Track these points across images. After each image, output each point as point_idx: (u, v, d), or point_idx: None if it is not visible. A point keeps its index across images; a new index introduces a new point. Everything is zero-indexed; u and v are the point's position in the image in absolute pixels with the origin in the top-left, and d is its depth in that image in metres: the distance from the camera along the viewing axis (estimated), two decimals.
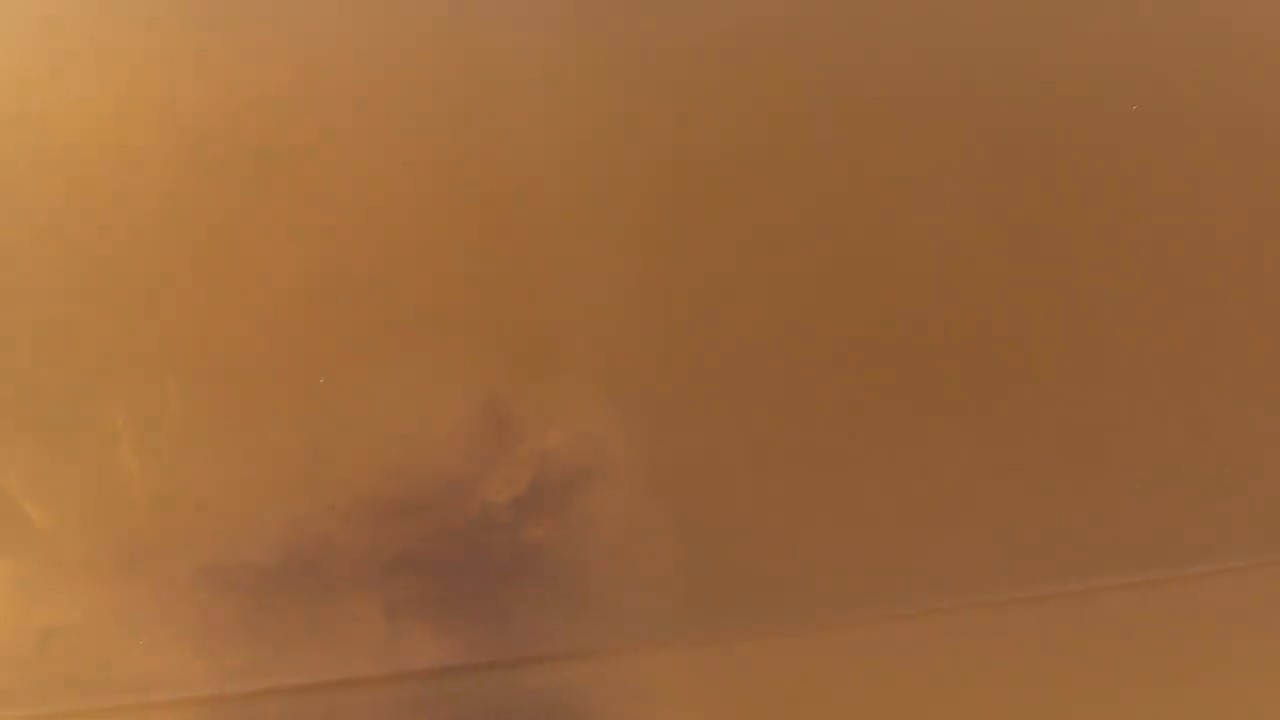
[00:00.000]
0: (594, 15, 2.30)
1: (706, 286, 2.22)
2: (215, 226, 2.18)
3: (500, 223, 2.21)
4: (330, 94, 2.25)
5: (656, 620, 2.12)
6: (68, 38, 2.22)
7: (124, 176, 2.18)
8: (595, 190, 2.23)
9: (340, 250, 2.18)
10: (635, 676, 2.11)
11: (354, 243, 2.19)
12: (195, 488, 2.09)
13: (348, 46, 2.27)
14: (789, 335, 2.21)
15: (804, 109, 2.28)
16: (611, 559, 2.12)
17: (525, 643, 2.10)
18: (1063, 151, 2.30)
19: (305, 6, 2.27)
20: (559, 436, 2.15)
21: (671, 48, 2.29)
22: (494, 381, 2.15)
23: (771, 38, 2.31)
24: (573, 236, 2.21)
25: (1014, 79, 2.32)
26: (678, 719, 2.11)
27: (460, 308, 2.18)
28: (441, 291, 2.18)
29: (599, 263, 2.20)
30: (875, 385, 2.20)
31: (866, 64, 2.31)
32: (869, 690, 2.15)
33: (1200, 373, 2.26)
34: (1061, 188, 2.29)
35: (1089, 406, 2.23)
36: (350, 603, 2.10)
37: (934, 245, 2.25)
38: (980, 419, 2.20)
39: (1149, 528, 2.21)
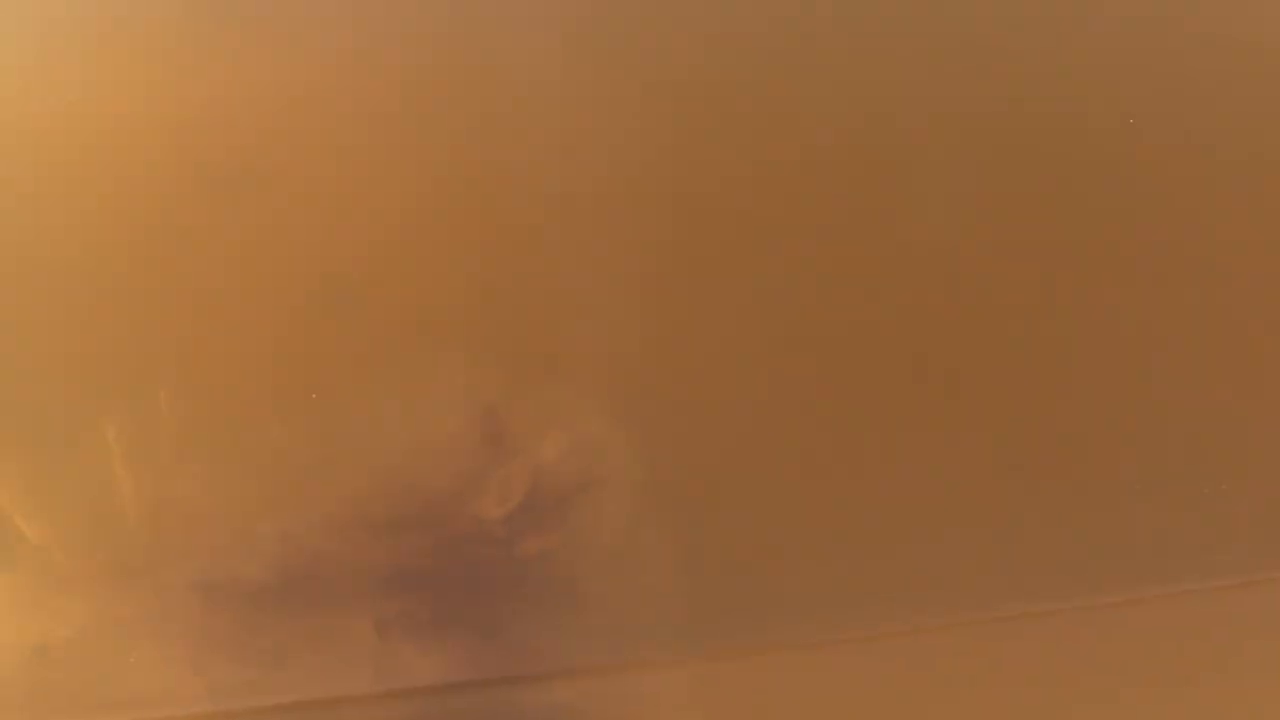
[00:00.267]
0: (591, 25, 2.28)
1: (707, 299, 2.20)
2: (209, 237, 2.17)
3: (496, 234, 2.20)
4: (327, 103, 2.23)
5: (654, 636, 2.10)
6: (63, 44, 2.21)
7: (115, 187, 2.17)
8: (593, 201, 2.22)
9: (334, 263, 2.16)
10: (633, 693, 2.09)
11: (348, 255, 2.17)
12: (188, 502, 2.08)
13: (345, 57, 2.25)
14: (789, 347, 2.19)
15: (804, 116, 2.26)
16: (608, 574, 2.10)
17: (521, 659, 2.08)
18: (1063, 160, 2.28)
19: (304, 14, 2.26)
20: (556, 450, 2.13)
21: (670, 60, 2.27)
22: (490, 394, 2.13)
23: (771, 45, 2.28)
24: (570, 249, 2.20)
25: (1014, 81, 2.30)
26: None
27: (456, 320, 2.16)
28: (436, 303, 2.17)
29: (597, 274, 2.19)
30: (876, 398, 2.18)
31: (867, 69, 2.29)
32: (871, 707, 2.13)
33: (1203, 384, 2.23)
34: (1061, 200, 2.27)
35: (1092, 419, 2.20)
36: (345, 618, 2.08)
37: (938, 259, 2.23)
38: (984, 435, 2.18)
39: (1153, 543, 2.18)
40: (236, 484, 2.09)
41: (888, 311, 2.21)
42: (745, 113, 2.26)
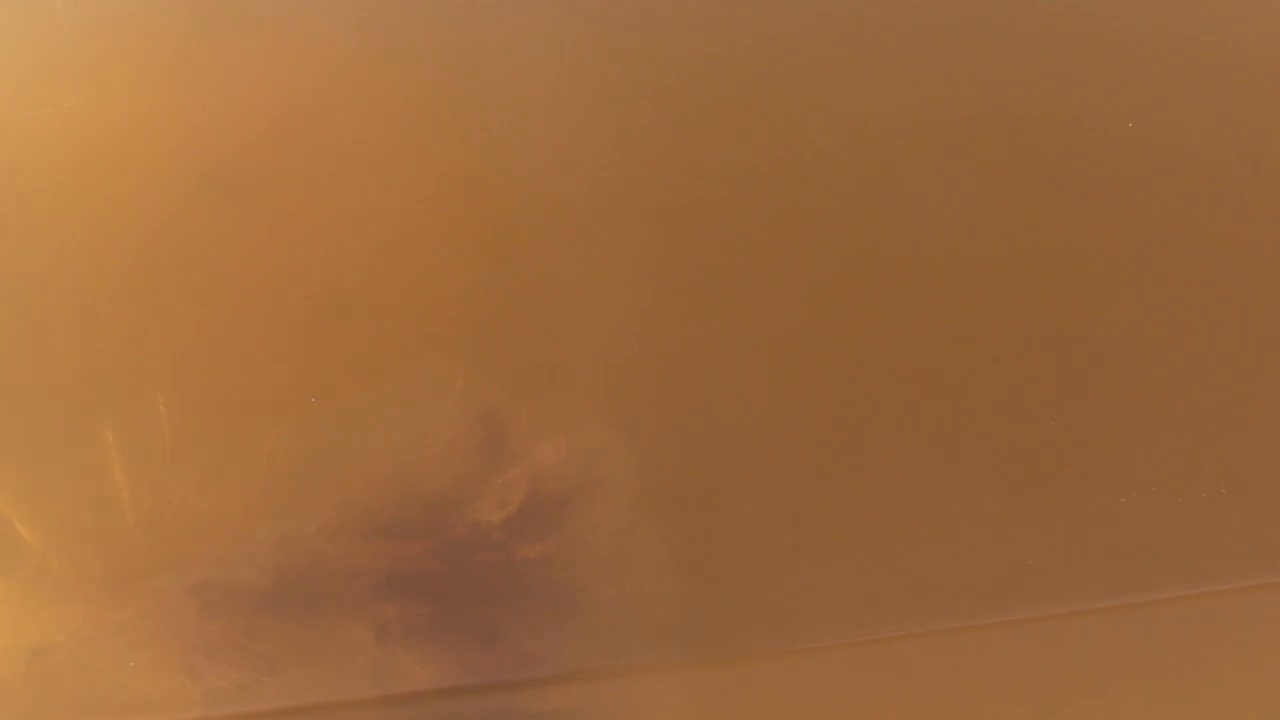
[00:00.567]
0: (592, 35, 2.29)
1: (706, 306, 2.20)
2: (208, 243, 2.17)
3: (495, 241, 2.20)
4: (326, 111, 2.24)
5: (652, 641, 2.10)
6: (65, 51, 2.21)
7: (115, 193, 2.17)
8: (593, 208, 2.22)
9: (334, 269, 2.17)
10: (631, 698, 2.09)
11: (347, 261, 2.18)
12: (186, 507, 2.08)
13: (346, 66, 2.26)
14: (788, 353, 2.19)
15: (805, 124, 2.27)
16: (607, 579, 2.10)
17: (518, 664, 2.08)
18: (1062, 164, 2.29)
19: (306, 21, 2.26)
20: (554, 455, 2.13)
21: (671, 69, 2.28)
22: (488, 400, 2.13)
23: (772, 53, 2.29)
24: (570, 256, 2.20)
25: (1014, 84, 2.31)
26: None
27: (455, 325, 2.16)
28: (436, 309, 2.17)
29: (596, 281, 2.19)
30: (875, 403, 2.18)
31: (867, 78, 2.30)
32: (870, 711, 2.13)
33: (1203, 389, 2.24)
34: (1061, 204, 2.28)
35: (1092, 425, 2.20)
36: (342, 623, 2.08)
37: (937, 264, 2.23)
38: (983, 440, 2.18)
39: (1153, 548, 2.18)
40: (235, 489, 2.08)
41: (887, 316, 2.21)
42: (746, 122, 2.27)
